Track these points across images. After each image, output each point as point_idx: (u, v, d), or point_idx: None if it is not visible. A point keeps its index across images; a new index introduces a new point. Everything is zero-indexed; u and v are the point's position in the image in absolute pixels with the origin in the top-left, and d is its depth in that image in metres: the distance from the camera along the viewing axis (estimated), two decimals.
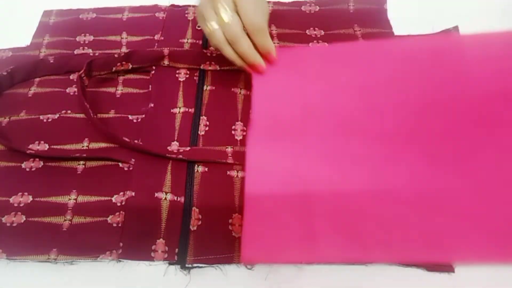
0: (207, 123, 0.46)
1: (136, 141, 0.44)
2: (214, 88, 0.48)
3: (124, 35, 0.54)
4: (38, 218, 0.40)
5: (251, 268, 0.37)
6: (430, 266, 0.36)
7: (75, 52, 0.53)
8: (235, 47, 0.39)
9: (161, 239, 0.38)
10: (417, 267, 0.36)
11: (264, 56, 0.41)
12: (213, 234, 0.39)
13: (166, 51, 0.49)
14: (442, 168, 0.35)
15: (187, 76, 0.50)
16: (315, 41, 0.52)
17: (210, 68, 0.50)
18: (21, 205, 0.41)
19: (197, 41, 0.53)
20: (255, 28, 0.38)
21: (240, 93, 0.48)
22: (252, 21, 0.37)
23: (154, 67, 0.50)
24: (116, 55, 0.48)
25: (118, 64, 0.49)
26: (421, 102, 0.38)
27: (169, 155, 0.42)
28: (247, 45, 0.39)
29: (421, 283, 0.36)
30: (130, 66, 0.50)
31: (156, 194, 0.40)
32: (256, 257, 0.35)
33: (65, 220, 0.40)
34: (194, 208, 0.40)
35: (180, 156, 0.42)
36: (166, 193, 0.41)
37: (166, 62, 0.50)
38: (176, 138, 0.44)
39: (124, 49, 0.53)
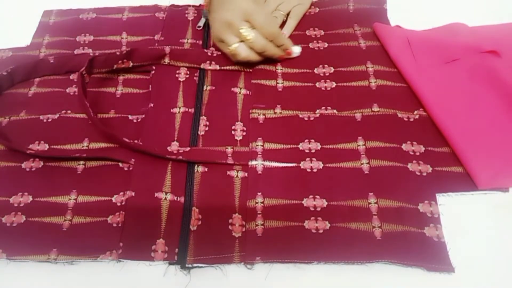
0: (207, 123, 0.46)
1: (136, 141, 0.44)
2: (214, 88, 0.48)
3: (124, 35, 0.54)
4: (38, 218, 0.40)
5: (251, 268, 0.37)
6: (430, 266, 0.36)
7: (75, 52, 0.53)
8: (265, 54, 0.47)
9: (161, 239, 0.38)
10: (417, 267, 0.36)
11: (286, 52, 0.49)
12: (213, 234, 0.39)
13: (167, 49, 0.49)
14: None
15: (187, 76, 0.50)
16: (315, 41, 0.52)
17: (210, 67, 0.50)
18: (21, 205, 0.41)
19: (197, 41, 0.53)
20: (272, 35, 0.46)
21: (240, 93, 0.48)
22: (268, 31, 0.46)
23: (154, 67, 0.50)
24: (117, 53, 0.48)
25: (119, 62, 0.49)
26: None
27: (169, 156, 0.42)
28: (274, 48, 0.48)
29: (421, 283, 0.36)
30: (131, 64, 0.50)
31: (156, 194, 0.40)
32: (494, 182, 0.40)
33: (65, 220, 0.40)
34: (194, 208, 0.40)
35: (180, 157, 0.42)
36: (166, 193, 0.41)
37: (167, 60, 0.50)
38: (176, 138, 0.44)
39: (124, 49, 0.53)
